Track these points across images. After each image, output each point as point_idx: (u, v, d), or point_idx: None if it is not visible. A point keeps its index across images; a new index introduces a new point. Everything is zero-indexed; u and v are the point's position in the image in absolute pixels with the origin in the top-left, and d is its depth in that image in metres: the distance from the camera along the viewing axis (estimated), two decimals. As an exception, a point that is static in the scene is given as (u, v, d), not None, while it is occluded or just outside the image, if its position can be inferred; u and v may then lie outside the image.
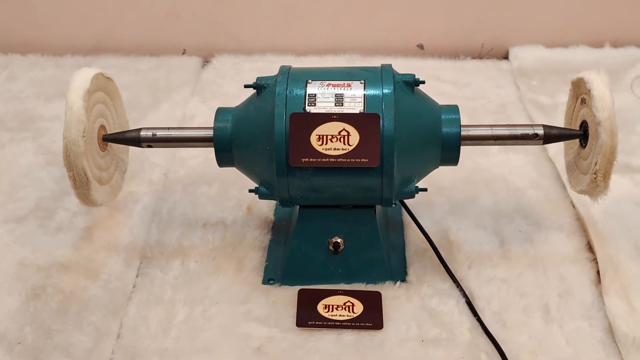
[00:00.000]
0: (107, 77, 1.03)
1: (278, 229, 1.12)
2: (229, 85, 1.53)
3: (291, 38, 1.63)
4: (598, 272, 1.02)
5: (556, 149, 1.24)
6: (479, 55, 1.62)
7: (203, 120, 1.40)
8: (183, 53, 1.65)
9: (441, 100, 1.45)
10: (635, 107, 1.40)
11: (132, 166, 1.16)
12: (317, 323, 0.95)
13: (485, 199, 1.17)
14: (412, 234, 1.10)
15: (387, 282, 1.01)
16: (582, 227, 1.11)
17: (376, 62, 1.58)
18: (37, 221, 1.14)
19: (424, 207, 1.14)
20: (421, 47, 1.63)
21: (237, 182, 1.19)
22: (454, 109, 0.98)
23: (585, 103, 0.97)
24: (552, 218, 1.12)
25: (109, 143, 1.03)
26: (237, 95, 1.48)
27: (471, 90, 1.49)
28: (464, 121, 1.38)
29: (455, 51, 1.62)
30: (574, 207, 1.14)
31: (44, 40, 1.64)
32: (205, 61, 1.63)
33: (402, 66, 1.57)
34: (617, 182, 0.96)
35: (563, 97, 1.44)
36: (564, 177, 1.12)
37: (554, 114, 1.39)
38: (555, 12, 1.59)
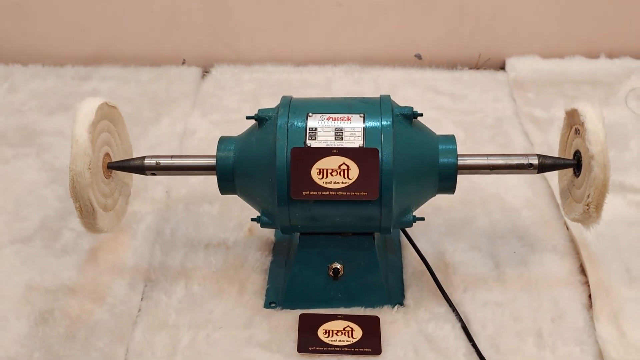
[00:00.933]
0: (111, 106, 1.05)
1: (279, 251, 1.14)
2: (229, 97, 1.54)
3: (290, 48, 1.65)
4: (590, 296, 1.05)
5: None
6: (476, 66, 1.64)
7: (204, 135, 1.42)
8: (183, 63, 1.66)
9: (439, 115, 1.49)
10: (630, 122, 1.43)
11: (135, 184, 1.18)
12: (317, 349, 0.98)
13: (481, 220, 1.20)
14: (409, 255, 1.13)
15: (386, 307, 1.04)
16: (575, 248, 1.13)
17: (375, 72, 1.62)
18: (42, 242, 1.16)
19: (421, 228, 1.16)
20: (419, 57, 1.65)
21: (239, 201, 1.19)
22: (451, 139, 1.00)
23: (578, 134, 0.99)
24: (546, 239, 1.15)
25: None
26: (238, 109, 1.51)
27: (468, 103, 1.51)
28: (461, 137, 1.41)
29: (452, 61, 1.64)
30: (567, 228, 1.17)
31: (44, 51, 1.65)
32: (205, 71, 1.64)
33: (401, 77, 1.61)
34: (610, 202, 0.98)
35: (558, 111, 1.47)
36: (558, 196, 1.14)
37: (549, 129, 1.41)
38: (551, 22, 1.61)
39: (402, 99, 1.51)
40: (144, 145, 1.40)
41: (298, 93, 1.54)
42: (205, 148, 1.38)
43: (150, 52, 1.65)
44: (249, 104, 1.52)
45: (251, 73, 1.63)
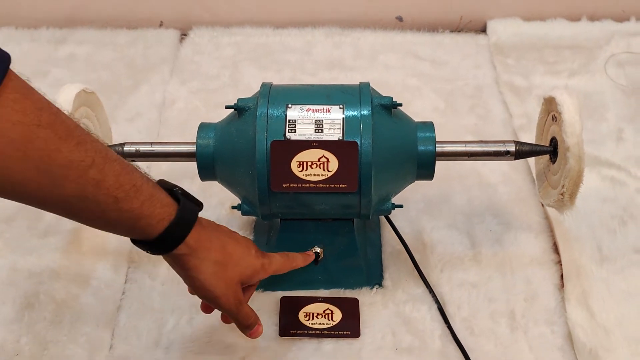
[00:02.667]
0: (89, 92, 1.04)
1: (260, 230, 1.16)
2: (208, 63, 1.53)
3: (269, 10, 1.62)
4: (562, 276, 1.09)
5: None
6: (457, 28, 1.63)
7: (183, 106, 1.41)
8: (160, 25, 1.63)
9: (420, 82, 1.49)
10: (608, 90, 1.43)
11: (115, 161, 1.18)
12: (298, 332, 1.01)
13: (458, 196, 1.22)
14: (388, 233, 1.15)
15: (365, 288, 1.07)
16: (549, 226, 1.16)
17: (355, 35, 1.61)
18: (25, 222, 1.17)
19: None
20: (400, 19, 1.63)
21: (219, 178, 1.22)
22: (430, 127, 1.01)
23: (555, 121, 1.00)
24: (522, 217, 1.18)
25: (93, 156, 1.05)
26: (216, 76, 1.50)
27: (449, 70, 1.50)
28: (441, 107, 1.42)
29: (433, 24, 1.62)
30: (542, 205, 1.19)
31: (17, 12, 1.61)
32: (183, 34, 1.62)
33: (382, 41, 1.60)
34: (585, 177, 1.00)
35: (538, 78, 1.48)
36: (535, 173, 1.16)
37: (528, 98, 1.42)
38: (534, -17, 1.59)
39: (382, 66, 1.51)
40: (123, 115, 1.39)
41: (278, 58, 1.55)
42: (185, 119, 1.38)
43: (126, 14, 1.62)
44: (228, 70, 1.51)
45: (230, 36, 1.60)
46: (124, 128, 1.34)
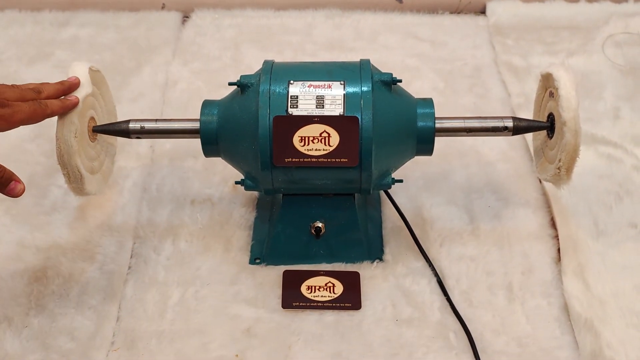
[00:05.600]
0: (95, 70, 1.06)
1: (262, 206, 1.18)
2: (210, 44, 1.54)
3: (270, -8, 1.63)
4: (559, 250, 1.11)
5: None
6: (457, 10, 1.64)
7: (185, 86, 1.43)
8: (162, 7, 1.64)
9: (419, 63, 1.50)
10: (605, 70, 1.45)
11: (119, 139, 1.19)
12: (301, 304, 1.03)
13: (457, 173, 1.24)
14: (389, 210, 1.17)
15: (365, 262, 1.09)
16: (547, 202, 1.18)
17: (356, 17, 1.62)
18: (31, 199, 1.19)
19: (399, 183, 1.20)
20: (400, 1, 1.64)
21: (222, 156, 1.24)
22: (429, 103, 1.03)
23: (553, 97, 1.02)
24: (520, 193, 1.20)
25: (99, 132, 1.07)
26: (218, 57, 1.52)
27: (448, 50, 1.52)
28: (440, 87, 1.44)
29: (433, 5, 1.63)
30: (540, 182, 1.21)
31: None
32: (185, 16, 1.63)
33: (382, 23, 1.62)
34: (582, 154, 1.01)
35: (536, 58, 1.50)
36: (533, 151, 1.18)
37: (527, 78, 1.44)
38: (533, -36, 1.61)
39: (382, 47, 1.53)
40: (126, 95, 1.41)
41: (278, 40, 1.56)
42: (188, 99, 1.40)
43: (128, -4, 1.63)
44: (230, 51, 1.52)
45: (231, 18, 1.62)
46: (127, 108, 1.35)
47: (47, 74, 1.46)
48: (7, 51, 1.52)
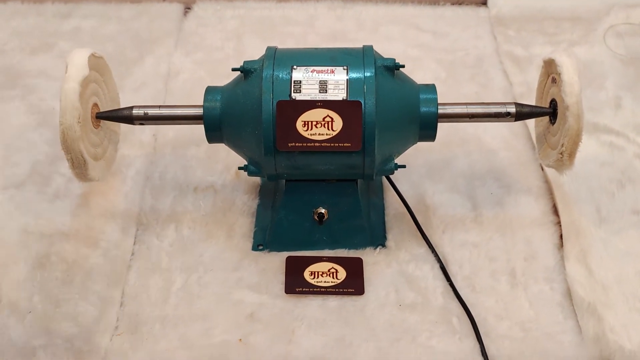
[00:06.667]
0: (98, 57, 1.06)
1: (265, 193, 1.18)
2: (212, 35, 1.55)
3: (272, -17, 1.63)
4: (561, 236, 1.11)
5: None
6: (458, 1, 1.64)
7: (188, 76, 1.43)
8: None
9: (421, 53, 1.50)
10: (607, 60, 1.45)
11: (123, 126, 1.19)
12: (304, 290, 1.04)
13: (460, 161, 1.24)
14: (391, 197, 1.17)
15: (368, 248, 1.10)
16: (549, 189, 1.18)
17: (358, 8, 1.62)
18: (35, 187, 1.19)
19: (402, 170, 1.19)
20: (402, -8, 1.64)
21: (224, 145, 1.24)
22: (432, 89, 1.03)
23: (555, 82, 1.02)
24: (522, 181, 1.20)
25: (102, 119, 1.07)
26: (220, 48, 1.52)
27: (450, 41, 1.52)
28: (442, 77, 1.44)
29: (435, -4, 1.64)
30: (542, 169, 1.22)
31: (22, -14, 1.63)
32: (187, 8, 1.63)
33: (384, 14, 1.62)
34: (584, 142, 1.02)
35: (538, 49, 1.50)
36: (535, 139, 1.18)
37: (528, 68, 1.44)
38: (534, -45, 1.61)
39: (384, 37, 1.53)
40: (129, 85, 1.41)
41: (281, 31, 1.56)
42: (190, 89, 1.40)
43: (130, -12, 1.63)
44: (232, 42, 1.53)
45: (233, 9, 1.62)
46: (130, 97, 1.35)
47: (50, 65, 1.46)
48: (10, 42, 1.52)
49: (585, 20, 1.56)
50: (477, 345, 0.97)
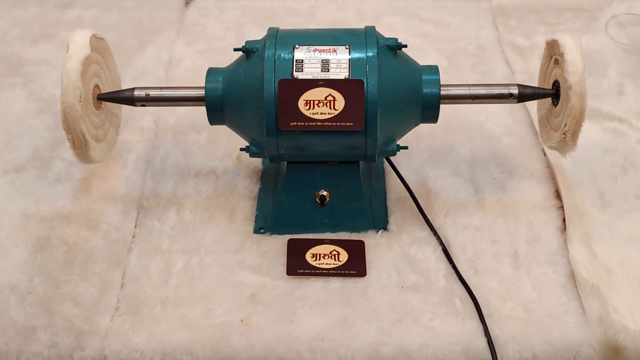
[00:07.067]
0: (99, 38, 1.06)
1: (266, 178, 1.18)
2: (214, 25, 1.55)
3: (274, -25, 1.63)
4: (564, 220, 1.10)
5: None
6: (460, -8, 1.64)
7: (190, 65, 1.43)
8: (166, -10, 1.64)
9: (422, 42, 1.50)
10: (609, 49, 1.45)
11: (123, 113, 1.19)
12: (305, 271, 1.03)
13: (462, 147, 1.24)
14: (393, 182, 1.17)
15: (370, 231, 1.09)
16: (551, 174, 1.18)
17: (358, -1, 1.62)
18: (35, 171, 1.19)
19: (404, 155, 1.20)
20: (403, -17, 1.64)
21: (226, 130, 1.22)
22: (434, 70, 1.03)
23: (558, 64, 1.02)
24: (525, 165, 1.19)
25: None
26: (222, 37, 1.52)
27: (451, 31, 1.52)
28: (443, 65, 1.44)
29: (436, -12, 1.64)
30: (544, 154, 1.21)
31: (24, -23, 1.63)
32: (188, -1, 1.64)
33: (385, 4, 1.62)
34: (587, 128, 1.02)
35: (539, 38, 1.49)
36: (537, 124, 1.18)
37: (530, 57, 1.44)
38: (535, -53, 1.61)
39: (386, 27, 1.52)
40: (130, 74, 1.40)
41: (282, 21, 1.56)
42: (192, 77, 1.40)
43: (132, -21, 1.63)
44: (234, 32, 1.53)
45: (235, 0, 1.62)
46: (131, 85, 1.34)
47: (51, 54, 1.46)
48: (11, 31, 1.52)
49: (587, 11, 1.56)
50: (480, 326, 0.96)
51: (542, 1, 1.59)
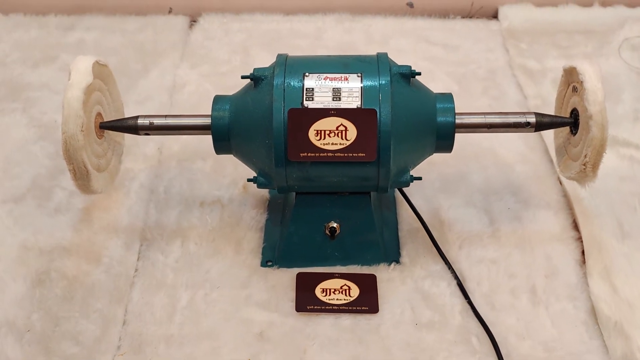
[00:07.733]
0: (102, 64, 1.03)
1: (274, 208, 1.14)
2: (218, 48, 1.51)
3: (279, -4, 1.61)
4: (582, 252, 1.06)
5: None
6: (469, 14, 1.61)
7: (194, 89, 1.40)
8: (169, 12, 1.62)
9: (432, 66, 1.47)
10: (623, 72, 1.42)
11: (126, 140, 1.15)
12: (315, 307, 0.99)
13: (475, 175, 1.20)
14: (405, 212, 1.13)
15: (382, 264, 1.05)
16: (568, 204, 1.14)
17: (366, 21, 1.60)
18: (35, 201, 1.15)
19: (415, 184, 1.14)
20: (411, 5, 1.62)
21: (232, 158, 1.20)
22: (449, 98, 0.99)
23: (576, 91, 0.99)
24: (540, 195, 1.16)
25: (106, 129, 1.03)
26: (227, 61, 1.49)
27: (461, 54, 1.49)
28: (454, 90, 1.40)
29: (444, 10, 1.61)
30: (560, 183, 1.18)
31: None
32: (193, 21, 1.60)
33: (392, 27, 1.59)
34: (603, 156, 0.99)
35: (551, 62, 1.46)
36: (552, 151, 1.15)
37: (543, 81, 1.41)
38: (545, -31, 1.58)
39: (394, 50, 1.49)
40: (133, 98, 1.37)
41: (288, 44, 1.53)
42: (196, 102, 1.37)
43: (135, 0, 1.60)
44: (239, 55, 1.50)
45: (240, 22, 1.59)
46: (134, 110, 1.30)
47: (52, 78, 1.43)
48: (11, 54, 1.49)
49: (599, 34, 1.53)
50: (499, 366, 0.92)
51: (552, 24, 1.56)
